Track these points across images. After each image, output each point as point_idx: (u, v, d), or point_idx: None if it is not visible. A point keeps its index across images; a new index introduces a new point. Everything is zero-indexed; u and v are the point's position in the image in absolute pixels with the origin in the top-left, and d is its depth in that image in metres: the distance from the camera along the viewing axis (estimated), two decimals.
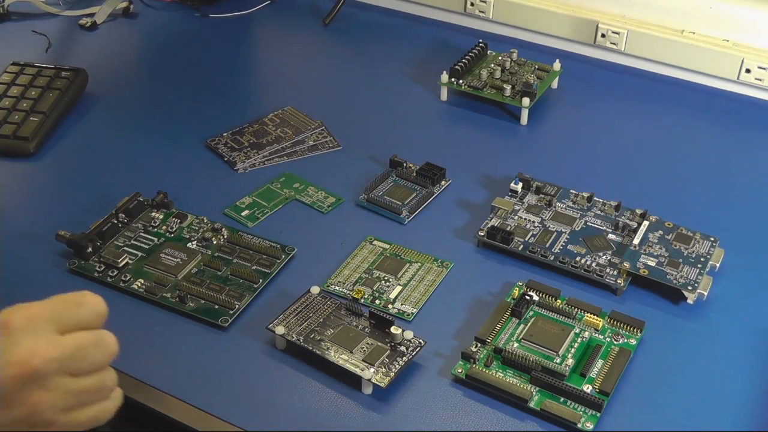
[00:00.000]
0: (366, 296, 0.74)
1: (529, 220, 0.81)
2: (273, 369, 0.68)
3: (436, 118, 0.99)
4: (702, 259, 0.76)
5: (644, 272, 0.74)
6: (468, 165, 0.90)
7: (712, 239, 0.78)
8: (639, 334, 0.70)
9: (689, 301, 0.73)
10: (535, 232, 0.79)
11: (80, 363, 0.52)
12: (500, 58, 1.03)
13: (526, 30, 1.12)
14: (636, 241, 0.77)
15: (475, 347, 0.68)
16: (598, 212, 0.82)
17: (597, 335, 0.70)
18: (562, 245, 0.78)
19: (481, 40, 1.05)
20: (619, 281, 0.74)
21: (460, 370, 0.67)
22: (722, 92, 1.03)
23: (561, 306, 0.72)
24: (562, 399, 0.65)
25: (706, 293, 0.73)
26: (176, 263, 0.76)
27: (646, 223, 0.79)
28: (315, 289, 0.73)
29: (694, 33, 1.03)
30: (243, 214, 0.83)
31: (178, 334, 0.71)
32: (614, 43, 1.06)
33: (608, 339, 0.70)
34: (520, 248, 0.78)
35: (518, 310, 0.71)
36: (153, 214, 0.82)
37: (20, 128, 0.91)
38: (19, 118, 0.92)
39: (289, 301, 0.72)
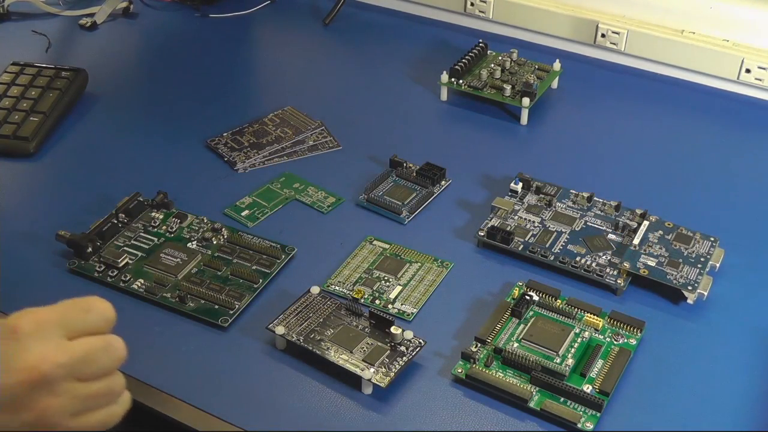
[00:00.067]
0: (366, 296, 0.74)
1: (529, 220, 0.81)
2: (273, 369, 0.68)
3: (436, 118, 0.99)
4: (702, 259, 0.76)
5: (644, 272, 0.74)
6: (468, 165, 0.90)
7: (712, 239, 0.78)
8: (639, 334, 0.70)
9: (689, 301, 0.73)
10: (535, 232, 0.79)
11: (88, 368, 0.53)
12: (500, 58, 1.03)
13: (526, 30, 1.12)
14: (636, 241, 0.77)
15: (475, 347, 0.68)
16: (598, 212, 0.82)
17: (597, 335, 0.70)
18: (562, 245, 0.78)
19: (481, 40, 1.05)
20: (619, 281, 0.74)
21: (460, 370, 0.67)
22: (722, 92, 1.03)
23: (561, 306, 0.72)
24: (562, 399, 0.65)
25: (706, 293, 0.73)
26: (176, 263, 0.76)
27: (646, 223, 0.79)
28: (315, 289, 0.73)
29: (694, 33, 1.03)
30: (243, 214, 0.83)
31: (178, 334, 0.71)
32: (614, 43, 1.06)
33: (608, 339, 0.70)
34: (520, 248, 0.78)
35: (518, 310, 0.71)
36: (153, 214, 0.82)
37: (20, 128, 0.91)
38: (19, 118, 0.92)
39: (289, 301, 0.72)
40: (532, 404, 0.64)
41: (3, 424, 0.51)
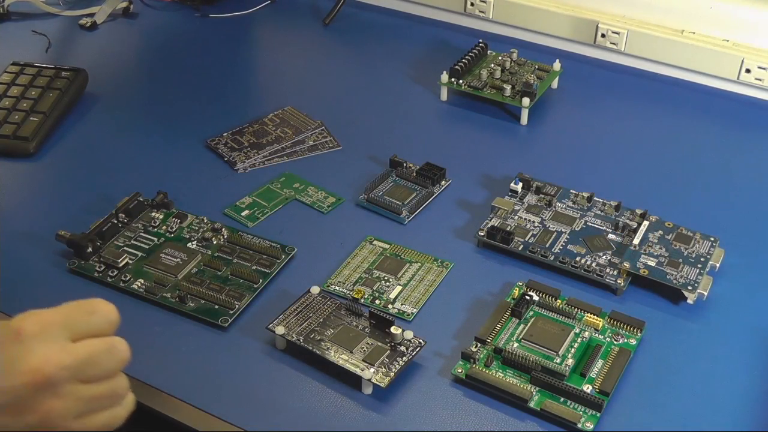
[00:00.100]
0: (366, 296, 0.74)
1: (529, 220, 0.81)
2: (273, 369, 0.68)
3: (436, 118, 0.99)
4: (702, 259, 0.76)
5: (644, 272, 0.74)
6: (468, 165, 0.90)
7: (712, 239, 0.78)
8: (639, 334, 0.70)
9: (689, 301, 0.73)
10: (535, 232, 0.79)
11: (92, 370, 0.53)
12: (500, 58, 1.03)
13: (526, 30, 1.12)
14: (636, 241, 0.77)
15: (475, 347, 0.68)
16: (598, 212, 0.82)
17: (597, 335, 0.70)
18: (562, 245, 0.78)
19: (481, 40, 1.05)
20: (619, 281, 0.74)
21: (460, 370, 0.67)
22: (722, 92, 1.03)
23: (561, 306, 0.72)
24: (562, 399, 0.65)
25: (706, 293, 0.73)
26: (176, 263, 0.76)
27: (646, 223, 0.79)
28: (315, 289, 0.73)
29: (694, 33, 1.03)
30: (243, 214, 0.83)
31: (178, 334, 0.71)
32: (614, 43, 1.06)
33: (608, 339, 0.70)
34: (520, 248, 0.78)
35: (518, 310, 0.71)
36: (153, 214, 0.82)
37: (20, 128, 0.91)
38: (19, 118, 0.92)
39: (289, 301, 0.72)
40: (532, 404, 0.64)
41: (7, 425, 0.51)
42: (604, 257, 0.77)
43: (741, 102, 1.01)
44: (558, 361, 0.67)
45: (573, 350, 0.68)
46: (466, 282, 0.76)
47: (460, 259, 0.78)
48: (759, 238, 0.81)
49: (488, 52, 1.05)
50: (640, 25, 1.05)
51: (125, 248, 0.78)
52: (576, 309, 0.72)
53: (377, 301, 0.73)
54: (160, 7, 1.20)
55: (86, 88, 1.00)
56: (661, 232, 0.79)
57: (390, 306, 0.73)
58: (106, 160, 0.91)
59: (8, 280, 0.75)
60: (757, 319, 0.73)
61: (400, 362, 0.67)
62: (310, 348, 0.68)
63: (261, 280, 0.75)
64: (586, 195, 0.83)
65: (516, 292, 0.74)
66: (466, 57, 1.01)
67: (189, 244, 0.79)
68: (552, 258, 0.76)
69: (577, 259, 0.76)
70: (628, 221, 0.80)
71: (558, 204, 0.82)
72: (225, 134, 0.94)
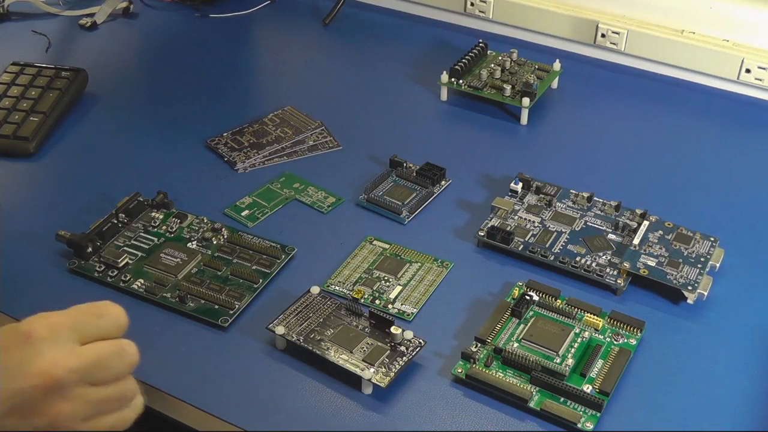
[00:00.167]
0: (366, 296, 0.74)
1: (529, 220, 0.81)
2: (273, 369, 0.68)
3: (436, 118, 0.99)
4: (702, 259, 0.76)
5: (644, 272, 0.74)
6: (468, 165, 0.90)
7: (712, 239, 0.78)
8: (639, 334, 0.70)
9: (689, 301, 0.73)
10: (535, 232, 0.79)
11: (101, 373, 0.53)
12: (500, 58, 1.03)
13: (526, 30, 1.12)
14: (636, 241, 0.77)
15: (475, 347, 0.68)
16: (598, 212, 0.82)
17: (597, 335, 0.70)
18: (562, 245, 0.78)
19: (481, 40, 1.05)
20: (619, 281, 0.74)
21: (460, 370, 0.67)
22: (722, 92, 1.03)
23: (561, 306, 0.72)
24: (562, 399, 0.65)
25: (706, 293, 0.73)
26: (176, 263, 0.76)
27: (646, 223, 0.79)
28: (315, 289, 0.73)
29: (694, 33, 1.03)
30: (243, 214, 0.83)
31: (178, 334, 0.71)
32: (614, 43, 1.06)
33: (608, 339, 0.70)
34: (520, 248, 0.78)
35: (518, 310, 0.71)
36: (153, 214, 0.82)
37: (20, 128, 0.91)
38: (19, 118, 0.92)
39: (289, 301, 0.72)
40: (532, 404, 0.64)
41: (15, 428, 0.51)
42: (604, 257, 0.77)
43: (741, 102, 1.01)
44: (558, 361, 0.67)
45: (573, 350, 0.68)
46: (466, 282, 0.76)
47: (460, 259, 0.78)
48: (759, 238, 0.81)
49: (488, 52, 1.05)
50: (640, 25, 1.05)
51: (125, 248, 0.78)
52: (576, 309, 0.72)
53: (377, 301, 0.73)
54: (160, 7, 1.20)
55: (86, 88, 1.00)
56: (661, 232, 0.79)
57: (390, 306, 0.73)
58: (106, 160, 0.91)
59: (8, 280, 0.75)
60: (757, 319, 0.73)
61: (400, 362, 0.67)
62: (310, 348, 0.68)
63: (261, 280, 0.75)
64: (586, 195, 0.83)
65: (516, 292, 0.74)
66: (466, 57, 1.01)
67: (189, 244, 0.79)
68: (552, 258, 0.76)
69: (577, 259, 0.76)
70: (628, 221, 0.80)
71: (558, 204, 0.82)
72: (225, 134, 0.94)
